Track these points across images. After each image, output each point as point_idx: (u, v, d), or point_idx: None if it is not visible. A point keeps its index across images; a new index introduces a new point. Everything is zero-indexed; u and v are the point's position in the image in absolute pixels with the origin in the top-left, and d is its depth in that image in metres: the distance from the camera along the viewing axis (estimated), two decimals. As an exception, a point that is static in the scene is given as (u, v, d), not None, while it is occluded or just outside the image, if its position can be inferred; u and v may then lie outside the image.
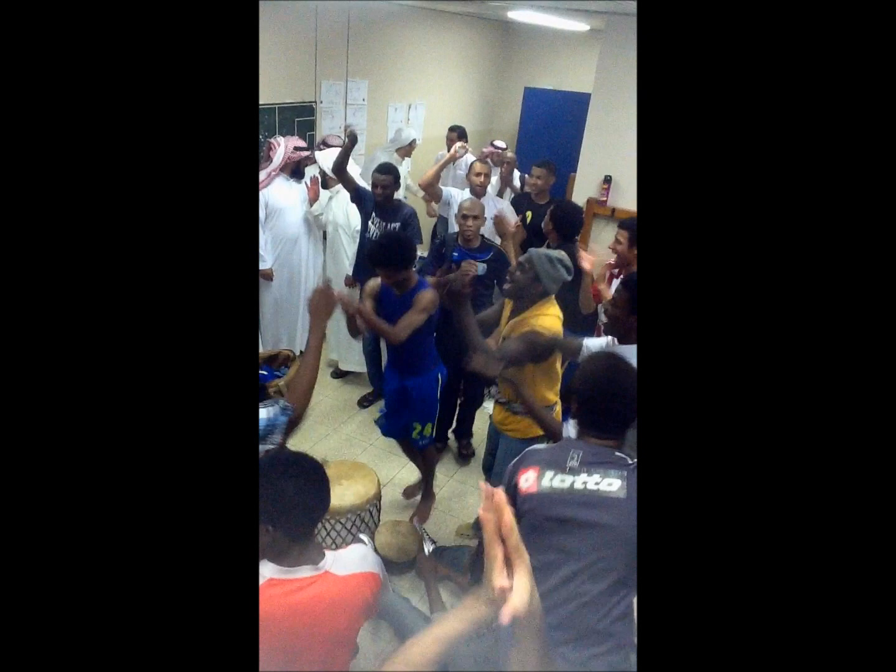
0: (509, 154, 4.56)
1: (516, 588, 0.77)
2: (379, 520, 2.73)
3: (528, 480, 1.45)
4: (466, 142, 4.54)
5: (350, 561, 1.35)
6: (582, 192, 4.35)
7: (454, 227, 3.46)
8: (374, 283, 2.64)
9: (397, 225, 3.41)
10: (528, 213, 3.83)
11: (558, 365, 2.37)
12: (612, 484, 1.40)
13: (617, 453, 1.47)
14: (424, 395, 2.77)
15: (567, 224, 3.14)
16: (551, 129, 5.91)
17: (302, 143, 3.79)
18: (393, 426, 2.92)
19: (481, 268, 3.14)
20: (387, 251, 2.49)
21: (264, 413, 1.57)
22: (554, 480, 1.43)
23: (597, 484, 1.40)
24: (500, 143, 4.52)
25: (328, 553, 1.33)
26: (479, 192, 3.67)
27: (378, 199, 3.34)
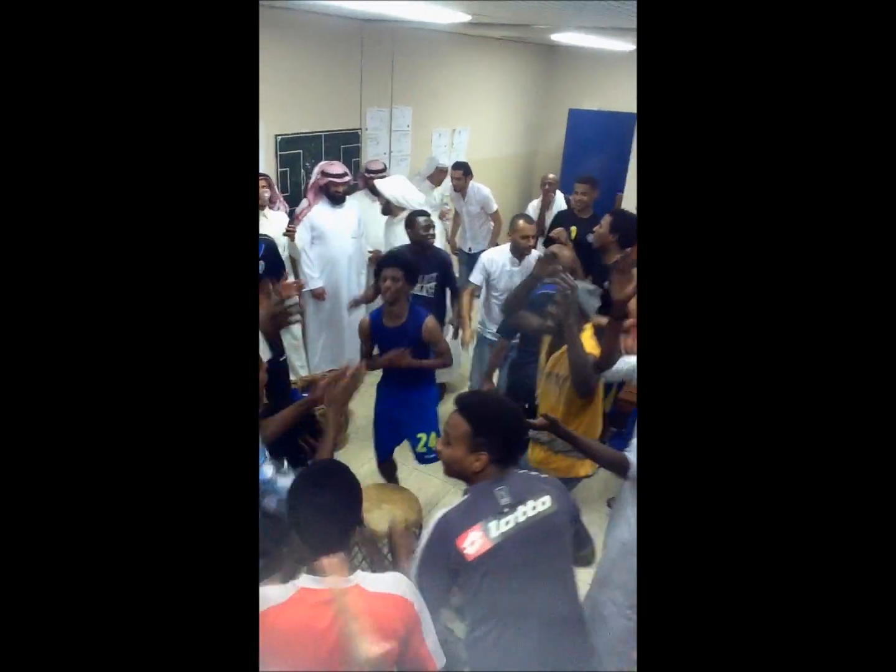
0: (550, 176, 4.55)
1: None
2: (420, 546, 2.67)
3: (475, 543, 1.38)
4: (471, 176, 4.53)
5: (382, 581, 1.31)
6: (631, 210, 4.26)
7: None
8: (364, 322, 2.69)
9: (435, 275, 3.38)
10: (574, 229, 3.83)
11: (601, 395, 2.32)
12: (545, 502, 1.45)
13: (521, 472, 1.53)
14: (429, 404, 2.83)
15: (628, 231, 3.03)
16: (597, 149, 5.86)
17: (334, 169, 3.75)
18: (385, 446, 2.94)
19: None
20: (406, 255, 2.59)
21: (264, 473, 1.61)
22: (500, 527, 1.39)
23: (534, 509, 1.44)
24: (550, 177, 4.53)
25: (360, 571, 1.31)
26: (523, 252, 3.26)
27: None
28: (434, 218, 3.98)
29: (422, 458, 2.92)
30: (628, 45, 5.06)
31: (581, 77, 6.26)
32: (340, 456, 3.53)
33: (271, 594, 1.25)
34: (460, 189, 4.54)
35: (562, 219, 4.04)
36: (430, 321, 2.62)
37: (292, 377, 3.47)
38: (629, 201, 4.49)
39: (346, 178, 3.75)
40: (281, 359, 3.22)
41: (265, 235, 3.32)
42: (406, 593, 1.31)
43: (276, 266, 3.34)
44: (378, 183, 3.91)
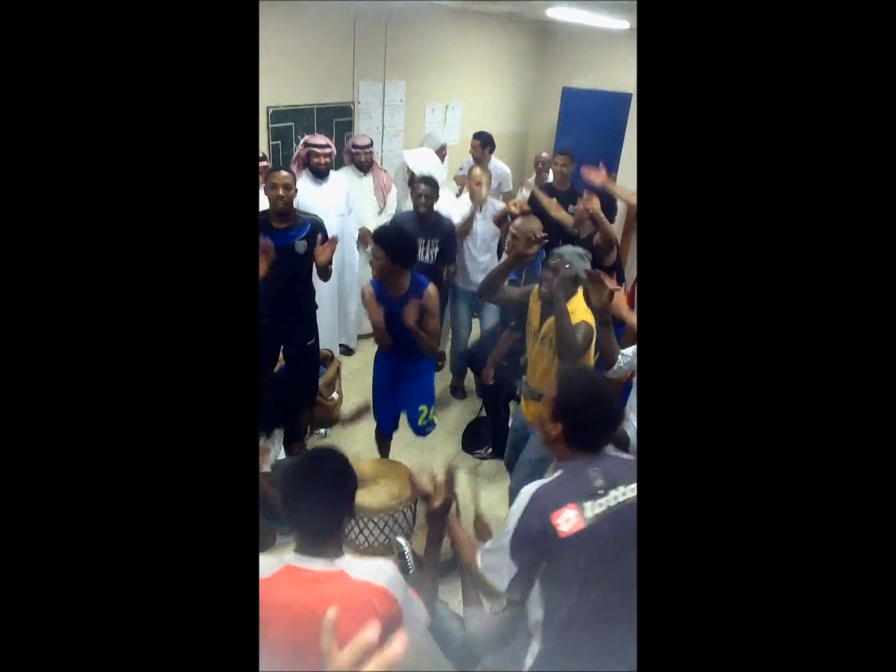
0: (544, 154, 4.54)
1: None
2: (415, 521, 2.69)
3: (569, 521, 1.36)
4: (493, 149, 4.49)
5: (367, 569, 1.30)
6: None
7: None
8: (367, 288, 2.67)
9: (437, 241, 3.39)
10: (553, 201, 3.91)
11: (591, 360, 2.35)
12: (634, 489, 1.41)
13: (611, 455, 1.49)
14: (426, 376, 2.85)
15: (607, 213, 3.29)
16: (590, 129, 5.82)
17: (316, 139, 3.68)
18: (389, 419, 2.95)
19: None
20: (393, 239, 2.53)
21: None
22: (595, 509, 1.38)
23: (625, 495, 1.41)
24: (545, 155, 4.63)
25: (347, 555, 1.31)
26: (478, 199, 3.68)
27: (421, 211, 3.33)
28: (448, 191, 4.01)
29: (422, 431, 2.93)
30: (624, 24, 5.01)
31: (575, 55, 6.19)
32: (334, 432, 3.56)
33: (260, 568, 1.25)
34: (479, 161, 4.38)
35: (542, 191, 4.11)
36: (430, 289, 2.61)
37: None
38: (623, 182, 4.46)
39: (329, 150, 3.68)
40: (309, 342, 3.23)
41: (314, 216, 3.06)
42: (389, 584, 1.29)
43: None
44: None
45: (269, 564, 1.28)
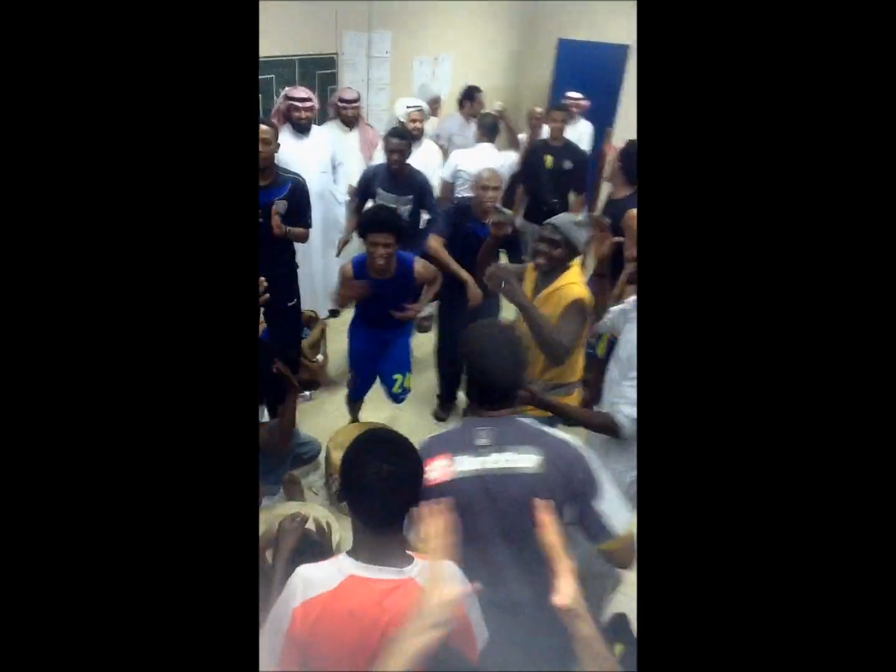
0: (538, 109, 4.41)
1: (566, 588, 0.90)
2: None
3: (435, 470, 1.33)
4: (476, 101, 4.38)
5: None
6: (620, 145, 4.12)
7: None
8: (347, 271, 2.52)
9: (411, 197, 3.26)
10: (549, 157, 3.86)
11: (582, 340, 2.25)
12: (530, 460, 1.34)
13: (522, 420, 1.43)
14: (404, 344, 2.82)
15: (633, 164, 2.97)
16: (587, 82, 5.62)
17: (296, 92, 3.51)
18: (365, 385, 2.94)
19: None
20: (395, 219, 2.42)
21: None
22: (465, 464, 1.34)
23: (511, 462, 1.34)
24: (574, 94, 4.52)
25: (416, 558, 1.19)
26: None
27: (393, 167, 3.16)
28: (431, 144, 3.89)
29: (396, 398, 2.89)
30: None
31: (571, 5, 5.93)
32: (313, 398, 3.49)
33: (318, 578, 1.16)
34: (472, 115, 4.26)
35: (537, 149, 4.07)
36: (419, 265, 2.53)
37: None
38: (619, 135, 4.31)
39: (310, 104, 3.51)
40: (290, 304, 3.16)
41: (295, 174, 2.94)
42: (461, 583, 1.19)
43: (303, 209, 2.97)
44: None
45: (329, 575, 1.16)
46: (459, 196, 3.63)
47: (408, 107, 3.77)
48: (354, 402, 3.05)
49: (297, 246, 3.62)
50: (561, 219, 2.18)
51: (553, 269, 2.18)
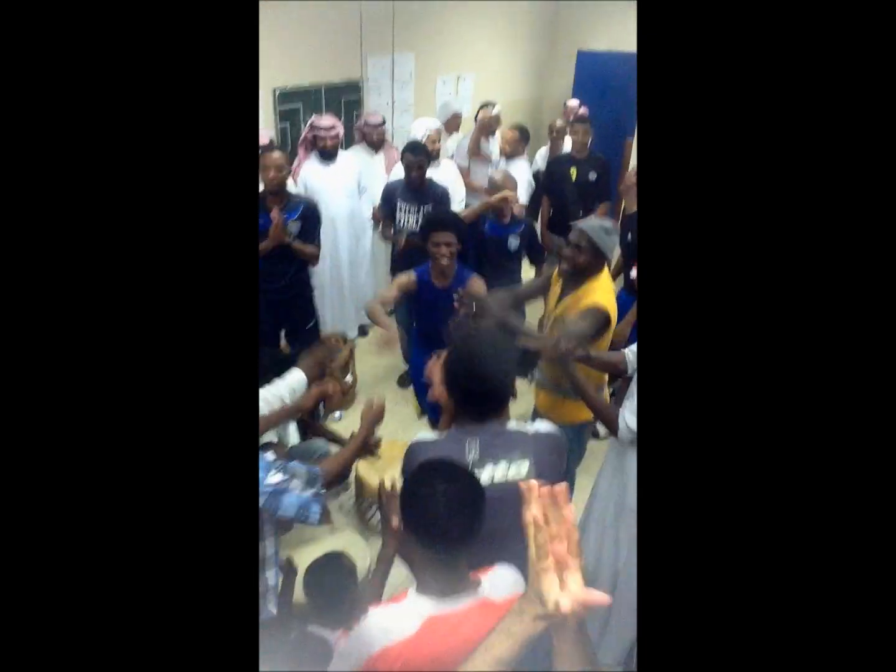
0: (559, 122, 4.49)
1: (574, 591, 0.74)
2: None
3: None
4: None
5: (503, 583, 1.18)
6: (639, 157, 4.16)
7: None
8: (409, 276, 2.58)
9: (430, 206, 3.34)
10: (573, 170, 3.94)
11: (608, 343, 2.26)
12: (520, 467, 1.33)
13: (510, 426, 1.39)
14: None
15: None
16: (607, 92, 5.66)
17: (322, 122, 3.64)
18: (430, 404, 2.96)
19: (513, 244, 3.05)
20: (454, 219, 2.49)
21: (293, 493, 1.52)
22: None
23: (504, 476, 1.32)
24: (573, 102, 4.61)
25: (481, 576, 1.17)
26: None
27: (414, 182, 3.27)
28: (450, 162, 4.01)
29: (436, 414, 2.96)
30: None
31: (589, 17, 5.99)
32: (347, 415, 3.58)
33: (392, 624, 1.11)
34: (512, 157, 4.24)
35: (561, 161, 4.15)
36: (475, 282, 2.50)
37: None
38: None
39: (335, 131, 3.63)
40: (307, 326, 3.28)
41: (307, 198, 3.15)
42: (524, 587, 1.18)
43: (313, 230, 3.10)
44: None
45: (407, 620, 1.10)
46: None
47: (427, 129, 3.86)
48: (432, 419, 3.05)
49: (326, 268, 3.78)
50: (590, 223, 2.13)
51: (578, 276, 2.14)
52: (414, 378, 3.02)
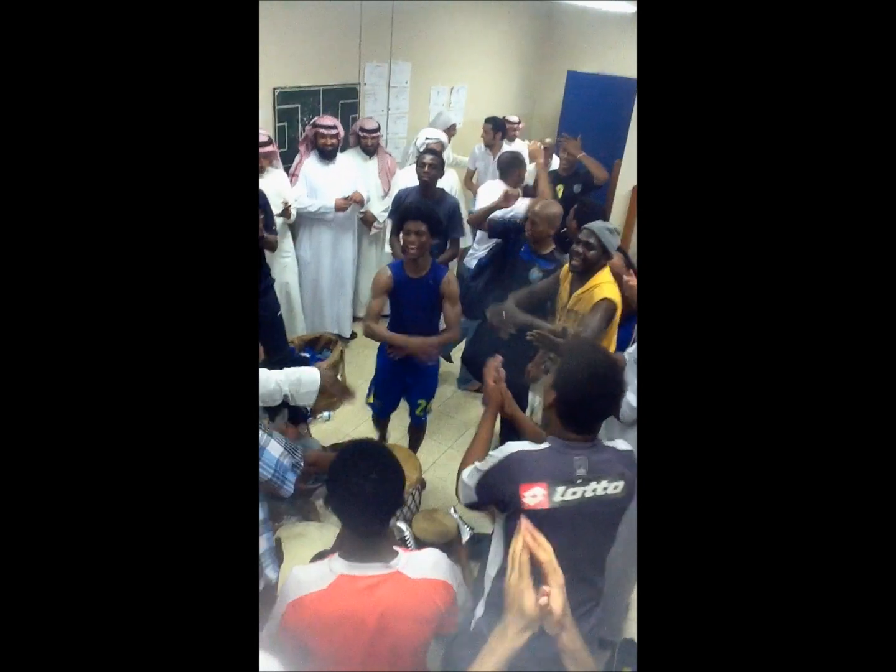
0: (547, 140, 4.55)
1: (555, 602, 0.90)
2: (417, 508, 2.73)
3: (536, 496, 1.35)
4: (504, 134, 4.54)
5: (423, 565, 1.28)
6: (629, 179, 4.27)
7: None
8: (384, 273, 2.61)
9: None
10: (560, 187, 4.00)
11: (615, 331, 2.44)
12: (617, 486, 1.41)
13: (608, 444, 1.48)
14: (431, 372, 2.88)
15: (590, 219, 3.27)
16: (595, 114, 5.79)
17: (324, 121, 3.72)
18: (389, 406, 2.99)
19: (534, 275, 3.05)
20: (427, 209, 2.54)
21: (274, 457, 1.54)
22: (566, 495, 1.37)
23: (605, 490, 1.41)
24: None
25: (401, 552, 1.28)
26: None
27: (424, 180, 3.31)
28: (451, 171, 4.04)
29: (418, 420, 2.99)
30: (629, 7, 4.97)
31: (580, 38, 6.13)
32: (335, 416, 3.58)
33: (308, 578, 1.23)
34: (490, 145, 4.46)
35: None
36: (450, 276, 2.62)
37: (289, 336, 3.48)
38: (628, 169, 4.46)
39: (336, 131, 3.71)
40: (278, 314, 3.29)
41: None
42: (446, 575, 1.30)
43: (270, 220, 3.30)
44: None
45: (320, 575, 1.23)
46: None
47: (427, 138, 3.94)
48: (381, 421, 3.11)
49: (324, 268, 3.80)
50: (597, 224, 2.41)
51: (587, 271, 2.40)
52: (381, 385, 2.94)
